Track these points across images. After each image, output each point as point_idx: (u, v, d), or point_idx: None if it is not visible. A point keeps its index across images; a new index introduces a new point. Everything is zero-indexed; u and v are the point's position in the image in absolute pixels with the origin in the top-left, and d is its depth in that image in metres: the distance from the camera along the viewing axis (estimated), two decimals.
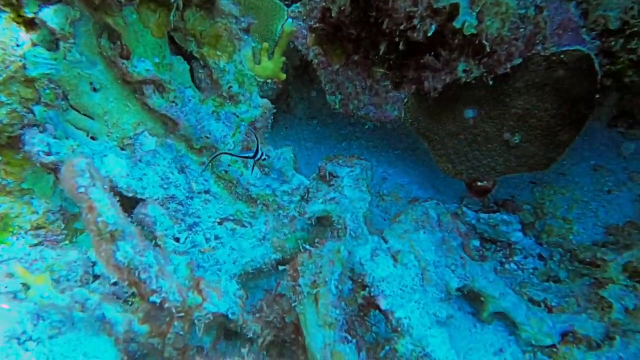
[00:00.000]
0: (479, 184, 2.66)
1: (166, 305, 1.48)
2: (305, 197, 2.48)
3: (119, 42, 1.93)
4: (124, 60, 1.98)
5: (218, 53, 2.05)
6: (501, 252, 2.77)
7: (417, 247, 2.05)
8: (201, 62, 2.12)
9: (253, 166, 2.26)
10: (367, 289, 1.80)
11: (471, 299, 2.31)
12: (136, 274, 1.38)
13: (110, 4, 1.74)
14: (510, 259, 2.72)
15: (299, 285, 1.71)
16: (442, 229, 2.40)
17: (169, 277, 1.47)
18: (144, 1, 1.85)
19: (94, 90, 2.07)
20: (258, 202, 2.42)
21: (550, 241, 2.78)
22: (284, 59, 2.22)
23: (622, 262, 2.11)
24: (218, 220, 2.37)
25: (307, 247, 1.82)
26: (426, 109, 2.59)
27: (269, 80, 2.25)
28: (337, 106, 2.70)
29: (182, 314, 1.61)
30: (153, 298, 1.43)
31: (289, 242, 2.46)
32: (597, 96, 2.35)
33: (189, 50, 2.06)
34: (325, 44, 2.53)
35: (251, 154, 2.11)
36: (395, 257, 1.93)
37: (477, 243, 2.74)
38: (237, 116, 2.26)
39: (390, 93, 2.61)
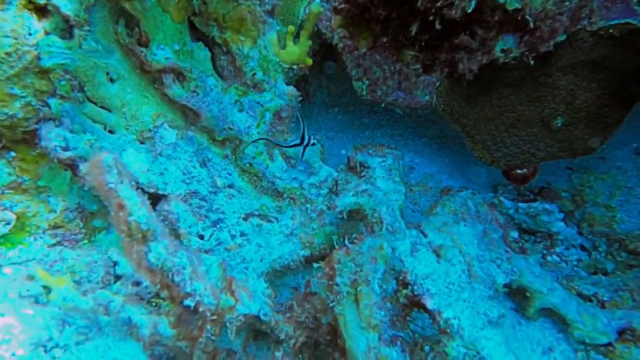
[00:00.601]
0: (517, 171, 2.54)
1: (201, 309, 1.41)
2: (334, 189, 2.39)
3: (137, 28, 1.84)
4: (142, 48, 1.89)
5: (242, 38, 1.95)
6: (542, 243, 2.65)
7: (459, 240, 1.94)
8: (224, 49, 2.02)
9: (302, 153, 2.17)
10: (409, 287, 1.71)
11: (514, 294, 2.20)
12: (170, 277, 1.30)
13: None
14: (552, 251, 2.60)
15: (337, 285, 1.62)
16: (482, 220, 2.30)
17: (203, 279, 1.39)
18: None
19: (111, 80, 1.99)
20: (284, 195, 2.34)
21: (595, 231, 2.66)
22: (310, 42, 2.12)
23: None
24: (243, 215, 2.28)
25: (345, 242, 1.73)
26: (460, 93, 2.47)
27: (294, 66, 2.14)
28: (365, 92, 2.59)
29: (215, 317, 1.53)
30: (187, 302, 1.35)
31: (318, 238, 2.37)
32: None
33: (210, 35, 1.96)
34: (351, 26, 2.42)
35: (297, 141, 2.03)
36: (437, 252, 1.83)
37: (515, 234, 2.63)
38: (262, 105, 2.17)
39: (421, 77, 2.49)
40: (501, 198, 2.63)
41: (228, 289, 1.59)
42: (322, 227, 2.36)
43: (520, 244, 2.59)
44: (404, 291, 1.72)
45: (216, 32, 1.92)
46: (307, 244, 2.35)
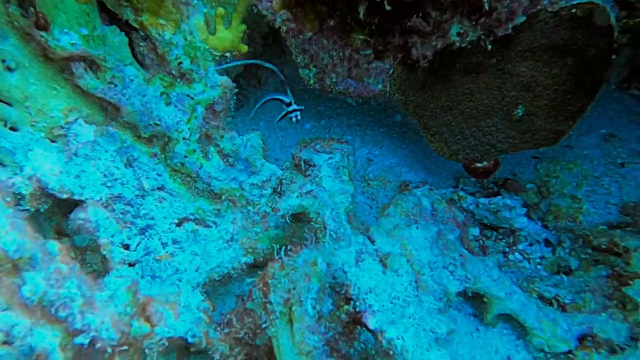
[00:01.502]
0: (478, 165, 2.44)
1: (98, 345, 1.23)
2: (278, 189, 2.23)
3: (32, 8, 1.61)
4: (42, 32, 1.66)
5: (161, 21, 1.74)
6: (504, 240, 2.57)
7: (410, 246, 1.82)
8: (142, 34, 1.81)
9: (282, 117, 2.10)
10: (352, 302, 1.58)
11: (473, 298, 2.11)
12: (53, 312, 1.13)
13: None
14: (514, 248, 2.52)
15: (270, 303, 1.48)
16: (438, 220, 2.18)
17: (100, 309, 1.22)
18: None
19: (9, 69, 1.75)
20: (223, 197, 2.16)
21: (559, 225, 2.59)
22: (244, 26, 1.92)
23: None
24: (176, 221, 2.10)
25: (280, 254, 1.58)
26: (415, 81, 2.33)
27: (227, 54, 1.95)
28: (312, 81, 2.42)
29: (126, 347, 1.36)
30: (79, 339, 1.18)
31: (262, 242, 2.22)
32: (614, 57, 2.12)
33: (123, 18, 1.75)
34: (294, 8, 2.23)
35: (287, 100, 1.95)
36: (384, 261, 1.70)
37: (476, 231, 2.54)
38: (192, 98, 1.97)
39: (372, 64, 2.34)
40: (461, 193, 2.53)
41: (141, 313, 1.42)
42: (266, 230, 2.21)
43: (480, 241, 2.50)
44: (346, 307, 1.58)
45: (130, 15, 1.71)
46: (250, 250, 2.20)
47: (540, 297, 2.11)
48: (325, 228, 1.80)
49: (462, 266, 1.85)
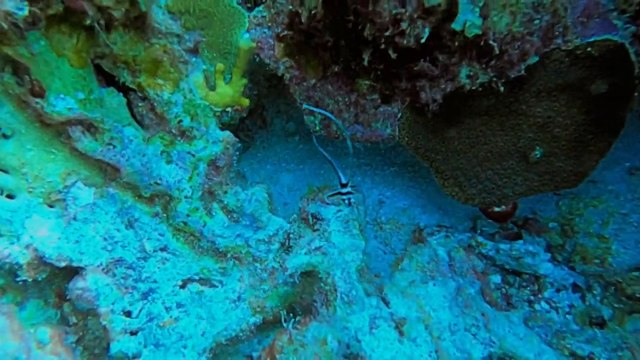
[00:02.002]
0: (496, 209, 2.34)
1: None
2: (286, 244, 2.16)
3: (27, 76, 1.60)
4: (37, 99, 1.65)
5: (159, 82, 1.73)
6: (528, 287, 2.44)
7: (427, 307, 1.72)
8: (139, 94, 1.79)
9: (333, 195, 1.97)
10: None
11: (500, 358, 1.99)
12: None
13: (4, 32, 1.41)
14: (540, 296, 2.39)
15: None
16: (456, 272, 2.08)
17: None
18: (53, 23, 1.52)
19: (5, 137, 1.74)
20: (228, 255, 2.10)
21: (588, 271, 2.46)
22: (245, 81, 1.90)
23: None
24: (180, 282, 2.04)
25: (288, 326, 1.50)
26: (425, 125, 2.27)
27: (228, 109, 1.92)
28: (317, 128, 2.37)
29: None
30: None
31: (271, 301, 2.14)
32: (636, 94, 2.04)
33: (121, 80, 1.73)
34: (297, 55, 2.21)
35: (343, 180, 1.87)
36: (400, 327, 1.61)
37: (498, 279, 2.42)
38: (193, 155, 1.93)
39: (380, 108, 2.29)
40: (479, 239, 2.42)
41: None
42: (275, 288, 2.13)
43: (503, 289, 2.38)
44: None
45: (127, 77, 1.69)
46: (258, 309, 2.12)
47: (574, 355, 1.98)
48: (335, 290, 1.71)
49: (486, 327, 1.75)
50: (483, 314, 1.76)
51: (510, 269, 2.53)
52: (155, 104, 1.77)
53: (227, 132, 1.95)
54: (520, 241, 2.45)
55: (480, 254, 2.46)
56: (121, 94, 1.77)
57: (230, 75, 1.88)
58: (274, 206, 2.64)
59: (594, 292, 2.35)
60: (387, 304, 1.71)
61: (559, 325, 2.12)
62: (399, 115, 2.29)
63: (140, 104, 1.81)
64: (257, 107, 3.55)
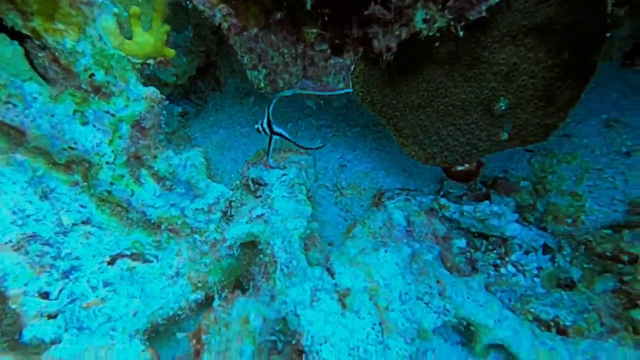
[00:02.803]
0: (459, 168, 2.22)
1: None
2: (228, 213, 2.01)
3: None
4: None
5: (59, 26, 1.51)
6: (495, 250, 2.36)
7: (377, 275, 1.60)
8: (37, 42, 1.58)
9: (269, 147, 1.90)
10: (304, 356, 1.36)
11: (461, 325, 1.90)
12: None
13: None
14: (507, 260, 2.30)
15: None
16: (414, 237, 1.97)
17: None
18: None
19: None
20: (162, 227, 1.94)
21: (557, 230, 2.37)
22: (167, 27, 1.69)
23: None
24: (108, 259, 1.88)
25: (216, 302, 1.37)
26: (380, 78, 2.11)
27: (150, 61, 1.72)
28: (262, 84, 2.19)
29: None
30: None
31: (214, 275, 2.00)
32: (608, 35, 1.90)
33: (9, 24, 1.51)
34: (234, 0, 2.01)
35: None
36: (343, 299, 1.49)
37: (462, 243, 2.32)
38: (113, 115, 1.74)
39: (330, 60, 2.12)
40: (442, 201, 2.30)
41: None
42: (218, 261, 1.99)
43: (468, 254, 2.28)
44: None
45: (17, 20, 1.47)
46: (200, 285, 1.98)
47: (537, 320, 1.90)
48: (275, 261, 1.58)
49: (440, 295, 1.64)
50: (438, 281, 1.64)
51: (477, 231, 2.43)
52: (58, 54, 1.56)
53: (152, 88, 1.76)
54: (486, 202, 2.34)
55: (444, 217, 2.35)
56: (16, 42, 1.55)
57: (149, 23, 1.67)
58: (227, 173, 2.48)
59: (564, 252, 2.27)
60: (332, 274, 1.58)
61: (524, 289, 2.03)
62: (352, 68, 2.12)
63: (40, 55, 1.59)
64: (209, 65, 3.33)
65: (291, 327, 1.42)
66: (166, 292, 1.90)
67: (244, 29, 2.05)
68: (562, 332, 1.82)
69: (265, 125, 1.96)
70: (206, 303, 2.03)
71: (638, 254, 1.81)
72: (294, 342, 1.40)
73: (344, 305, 1.45)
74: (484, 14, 1.80)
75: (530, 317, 1.88)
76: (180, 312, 1.92)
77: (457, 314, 1.63)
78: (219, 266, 1.98)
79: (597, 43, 1.85)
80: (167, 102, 1.82)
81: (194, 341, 1.35)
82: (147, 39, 1.66)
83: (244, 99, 3.25)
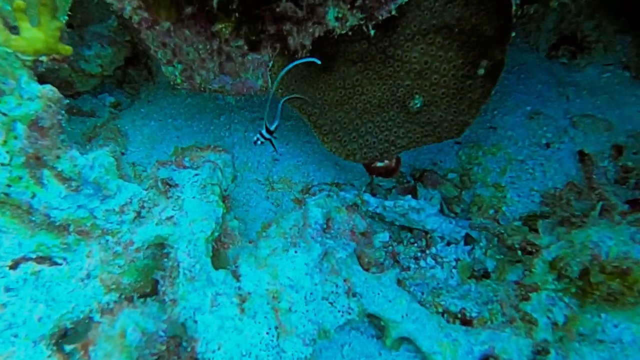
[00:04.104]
0: (378, 164, 2.22)
1: None
2: (141, 213, 1.94)
3: None
4: None
5: None
6: (416, 244, 2.39)
7: (283, 278, 1.59)
8: None
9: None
10: None
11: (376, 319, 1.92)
12: None
13: None
14: (427, 252, 2.34)
15: None
16: (331, 234, 1.96)
17: None
18: None
19: None
20: (70, 229, 1.86)
21: (474, 223, 2.42)
22: (58, 23, 1.59)
23: (550, 257, 1.76)
24: (9, 263, 1.79)
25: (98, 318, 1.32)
26: (299, 74, 2.07)
27: (43, 58, 1.62)
28: (179, 80, 2.11)
29: None
30: None
31: (129, 276, 1.93)
32: (513, 34, 1.92)
33: None
34: None
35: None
36: (242, 303, 1.47)
37: (385, 237, 2.34)
38: (5, 114, 1.64)
39: (248, 56, 2.06)
40: (365, 196, 2.31)
41: None
42: (133, 262, 1.92)
43: (389, 247, 2.31)
44: None
45: None
46: (113, 287, 1.91)
47: (447, 312, 1.94)
48: (178, 265, 1.54)
49: (347, 293, 1.64)
50: (345, 280, 1.64)
51: (400, 225, 2.46)
52: None
53: (47, 87, 1.66)
54: (408, 196, 2.37)
55: (367, 212, 2.37)
56: None
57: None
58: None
59: (481, 244, 2.33)
60: (237, 277, 1.56)
61: (437, 283, 2.07)
62: (270, 64, 2.07)
63: None
64: (141, 55, 3.20)
65: (189, 333, 1.39)
66: (76, 295, 1.83)
67: (156, 22, 1.96)
68: (467, 323, 1.87)
69: (264, 132, 2.04)
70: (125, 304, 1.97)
71: (540, 246, 1.86)
72: (189, 349, 1.37)
73: (242, 310, 1.43)
74: (393, 12, 1.79)
75: (440, 310, 1.92)
76: (92, 315, 1.86)
77: (361, 312, 1.63)
78: (134, 267, 1.92)
79: (503, 42, 1.87)
80: (67, 100, 1.73)
81: (82, 352, 1.30)
82: (36, 35, 1.56)
83: (177, 91, 3.14)
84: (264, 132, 2.03)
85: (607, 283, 1.60)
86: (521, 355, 1.67)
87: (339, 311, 1.59)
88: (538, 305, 1.65)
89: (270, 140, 2.06)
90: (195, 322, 1.41)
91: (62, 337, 1.84)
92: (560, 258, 1.66)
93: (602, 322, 1.72)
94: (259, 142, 2.03)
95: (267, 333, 1.38)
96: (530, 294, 1.68)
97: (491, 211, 2.62)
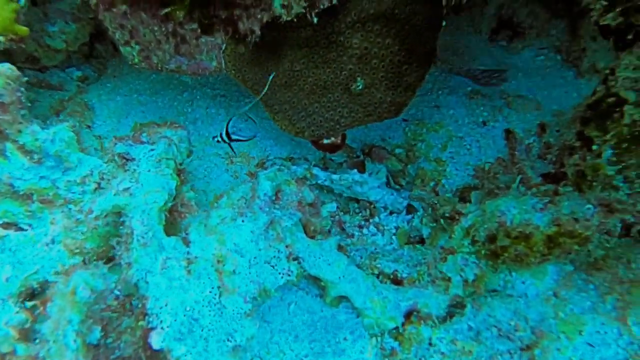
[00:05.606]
0: (325, 141, 2.32)
1: None
2: (101, 185, 2.01)
3: None
4: None
5: None
6: (360, 213, 2.53)
7: (229, 244, 1.70)
8: None
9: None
10: (146, 318, 1.45)
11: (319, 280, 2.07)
12: None
13: None
14: (371, 221, 2.49)
15: (42, 334, 1.32)
16: (279, 205, 2.08)
17: None
18: None
19: None
20: (34, 198, 1.92)
21: (414, 195, 2.57)
22: (14, 5, 1.61)
23: (466, 225, 1.92)
24: None
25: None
26: (249, 57, 2.13)
27: (0, 38, 1.64)
28: (137, 60, 2.15)
29: None
30: None
31: (91, 242, 2.01)
32: (444, 24, 2.02)
33: None
34: None
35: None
36: (188, 266, 1.58)
37: (333, 207, 2.46)
38: None
39: (202, 39, 2.10)
40: (314, 170, 2.42)
41: None
42: (95, 228, 2.00)
43: (336, 217, 2.44)
44: (140, 323, 1.46)
45: None
46: (77, 251, 1.99)
47: (382, 274, 2.10)
48: (132, 233, 1.63)
49: (288, 257, 1.77)
50: (287, 246, 1.77)
51: (347, 196, 2.59)
52: None
53: (6, 65, 1.69)
54: (354, 170, 2.49)
55: (316, 185, 2.48)
56: None
57: None
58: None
59: (418, 214, 2.48)
60: (187, 243, 1.66)
61: (374, 248, 2.22)
62: (223, 47, 2.12)
63: None
64: (105, 31, 3.17)
65: (140, 292, 1.50)
66: (41, 257, 1.90)
67: (113, 5, 1.98)
68: (398, 282, 2.03)
69: (224, 136, 2.11)
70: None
71: (462, 213, 2.02)
72: (140, 305, 1.48)
73: (188, 272, 1.54)
74: (334, 2, 1.86)
75: (376, 272, 2.07)
76: (56, 276, 1.94)
77: (305, 272, 1.77)
78: (97, 233, 2.00)
79: (434, 31, 1.97)
80: (25, 78, 1.76)
81: (41, 308, 1.39)
82: None
83: None
84: (224, 134, 2.11)
85: (514, 246, 1.77)
86: (439, 309, 1.84)
87: (279, 273, 1.72)
88: (453, 266, 1.81)
89: (229, 144, 2.16)
90: (147, 282, 1.51)
91: (31, 295, 1.93)
92: (472, 225, 1.82)
93: (512, 279, 1.91)
94: (216, 140, 2.12)
95: (210, 292, 1.50)
96: (447, 257, 1.84)
97: (432, 183, 2.77)
